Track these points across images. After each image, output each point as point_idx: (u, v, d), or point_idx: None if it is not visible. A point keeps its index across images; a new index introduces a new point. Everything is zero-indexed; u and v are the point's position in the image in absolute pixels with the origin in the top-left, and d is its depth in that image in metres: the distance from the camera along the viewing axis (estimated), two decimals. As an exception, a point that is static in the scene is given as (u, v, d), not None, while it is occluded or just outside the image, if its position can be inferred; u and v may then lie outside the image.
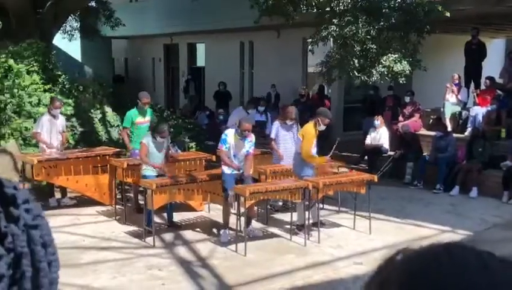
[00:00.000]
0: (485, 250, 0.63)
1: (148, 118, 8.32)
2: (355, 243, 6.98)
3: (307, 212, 7.05)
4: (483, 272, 0.59)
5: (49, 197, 8.36)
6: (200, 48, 19.82)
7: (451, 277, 0.59)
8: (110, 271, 5.96)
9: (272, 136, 8.25)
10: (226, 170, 6.96)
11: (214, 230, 7.41)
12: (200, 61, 19.94)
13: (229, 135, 6.98)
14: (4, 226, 0.60)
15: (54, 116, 8.41)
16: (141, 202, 7.87)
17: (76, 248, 6.54)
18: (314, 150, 7.23)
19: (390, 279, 0.62)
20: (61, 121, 8.64)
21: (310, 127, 7.21)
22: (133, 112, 8.33)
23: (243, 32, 16.37)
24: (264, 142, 9.08)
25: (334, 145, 7.82)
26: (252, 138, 7.05)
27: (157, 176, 7.17)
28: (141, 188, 7.55)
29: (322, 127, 7.21)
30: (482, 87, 11.88)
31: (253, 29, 14.85)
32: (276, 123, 8.36)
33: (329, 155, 7.70)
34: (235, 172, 6.94)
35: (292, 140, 8.17)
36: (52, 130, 8.41)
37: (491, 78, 11.52)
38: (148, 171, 7.21)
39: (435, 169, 9.80)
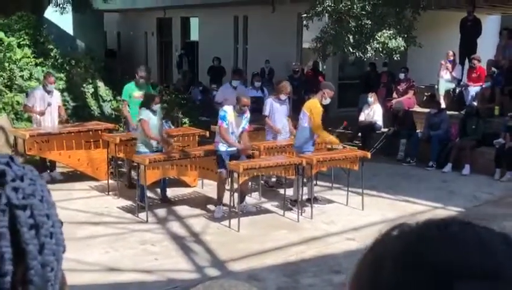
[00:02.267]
0: (483, 225, 0.63)
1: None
2: (347, 219, 7.02)
3: (301, 188, 7.07)
4: (481, 247, 0.59)
5: (41, 172, 8.32)
6: (194, 22, 19.60)
7: (446, 252, 0.59)
8: (103, 246, 5.98)
9: (266, 113, 8.19)
10: (221, 147, 6.92)
11: (208, 206, 7.42)
12: (194, 36, 19.74)
13: (228, 112, 6.91)
14: None
15: (49, 92, 8.30)
16: (134, 177, 7.87)
17: (69, 222, 6.54)
18: None
19: (385, 253, 0.62)
20: (56, 96, 8.53)
21: (315, 101, 7.17)
22: (130, 85, 8.30)
23: (237, 7, 16.18)
24: (259, 117, 9.04)
25: (342, 127, 7.90)
26: (247, 114, 7.03)
27: (155, 151, 7.13)
28: (134, 164, 7.53)
29: (328, 101, 7.19)
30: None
31: (247, 4, 14.70)
32: (269, 100, 8.30)
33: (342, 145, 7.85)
34: (230, 149, 6.91)
35: (285, 115, 8.15)
36: (45, 105, 8.30)
37: (477, 59, 11.43)
38: (143, 147, 7.17)
39: (428, 146, 9.82)
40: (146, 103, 7.23)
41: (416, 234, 0.62)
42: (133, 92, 8.19)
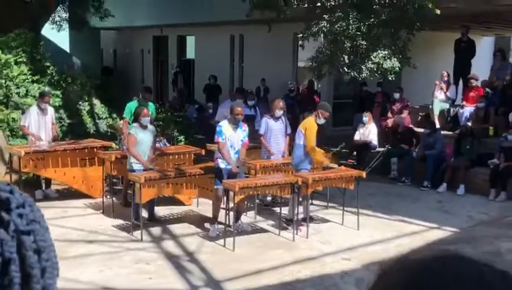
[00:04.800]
0: (484, 262, 0.64)
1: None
2: (343, 239, 7.00)
3: (297, 208, 7.06)
4: (480, 284, 0.60)
5: (35, 189, 8.29)
6: (190, 41, 19.73)
7: (448, 288, 0.59)
8: (97, 264, 5.94)
9: (261, 132, 8.21)
10: (221, 164, 6.92)
11: (204, 224, 7.39)
12: (190, 54, 19.85)
13: (224, 126, 6.94)
14: None
15: (43, 110, 8.31)
16: (130, 195, 7.84)
17: (63, 241, 6.50)
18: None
19: (392, 285, 0.63)
20: (50, 114, 8.54)
21: (311, 120, 7.21)
22: (132, 104, 8.37)
23: (233, 26, 16.31)
24: (254, 136, 9.07)
25: (339, 148, 7.93)
26: (245, 127, 7.05)
27: (144, 170, 7.12)
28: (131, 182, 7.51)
29: (322, 121, 7.22)
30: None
31: (244, 23, 14.81)
32: (265, 118, 8.33)
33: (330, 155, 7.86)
34: (230, 167, 6.90)
35: (283, 134, 8.17)
36: (40, 123, 8.31)
37: (475, 78, 11.56)
38: (136, 165, 7.16)
39: (423, 166, 9.86)
40: (136, 118, 7.26)
41: (420, 269, 0.63)
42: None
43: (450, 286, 0.59)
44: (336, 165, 8.00)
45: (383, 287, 0.64)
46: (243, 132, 6.99)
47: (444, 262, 0.63)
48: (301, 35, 10.46)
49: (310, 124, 7.16)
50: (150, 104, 8.59)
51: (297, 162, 7.28)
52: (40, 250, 0.63)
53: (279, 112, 8.06)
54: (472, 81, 11.47)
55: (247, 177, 7.49)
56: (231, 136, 6.89)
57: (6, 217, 0.61)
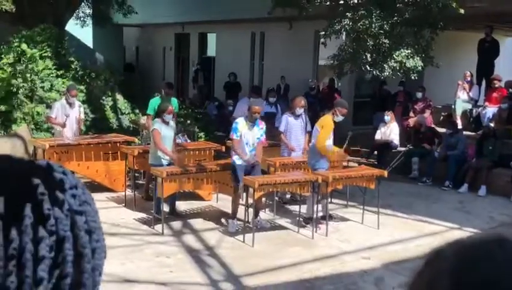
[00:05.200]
0: None
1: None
2: (363, 238, 6.99)
3: (316, 206, 7.06)
4: None
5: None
6: (211, 38, 19.79)
7: (504, 268, 0.58)
8: (119, 257, 6.01)
9: (281, 129, 8.21)
10: (237, 160, 6.97)
11: (222, 220, 7.45)
12: (211, 51, 19.91)
13: (240, 123, 6.97)
14: (47, 209, 0.60)
15: (71, 105, 8.45)
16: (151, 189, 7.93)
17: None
18: (330, 141, 7.20)
19: (442, 270, 0.61)
20: (77, 108, 8.66)
21: (328, 118, 7.18)
22: (155, 100, 8.45)
23: (254, 23, 16.32)
24: (274, 134, 9.08)
25: (347, 139, 7.81)
26: (263, 125, 7.06)
27: (168, 165, 7.19)
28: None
29: (340, 118, 7.18)
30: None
31: (265, 20, 14.81)
32: (285, 116, 8.34)
33: (342, 149, 7.71)
34: (245, 163, 6.94)
35: (302, 131, 8.15)
36: (66, 117, 8.43)
37: (498, 79, 11.41)
38: (153, 159, 7.23)
39: (444, 166, 9.78)
40: (159, 113, 7.32)
41: (472, 250, 0.61)
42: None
43: (506, 267, 0.58)
44: (356, 164, 7.96)
45: (435, 271, 0.62)
46: (260, 129, 7.01)
47: (497, 243, 0.61)
48: (323, 32, 10.44)
49: (325, 122, 7.13)
50: (173, 99, 8.65)
51: (313, 163, 7.25)
52: (91, 231, 0.66)
53: (299, 110, 8.05)
54: (495, 81, 11.32)
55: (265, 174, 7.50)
56: (247, 134, 6.92)
57: (61, 196, 0.63)
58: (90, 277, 0.64)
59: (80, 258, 0.63)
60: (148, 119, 8.61)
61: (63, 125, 8.35)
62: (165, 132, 7.21)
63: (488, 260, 0.59)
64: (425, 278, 0.62)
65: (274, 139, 8.85)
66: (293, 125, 8.12)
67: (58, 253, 0.61)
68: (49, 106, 10.00)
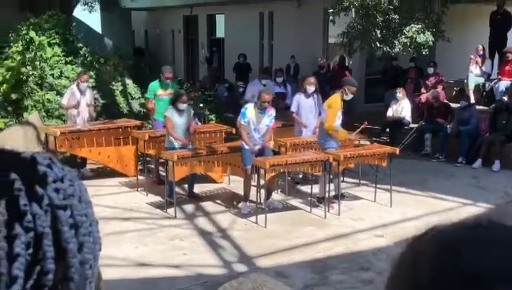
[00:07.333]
0: None
1: (170, 90, 8.28)
2: (375, 216, 6.97)
3: (328, 185, 7.04)
4: None
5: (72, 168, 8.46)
6: (220, 19, 19.67)
7: (486, 255, 0.58)
8: (132, 241, 6.07)
9: (293, 109, 8.20)
10: (245, 145, 6.96)
11: (234, 202, 7.46)
12: (220, 33, 19.81)
13: (249, 108, 6.96)
14: (24, 205, 0.59)
15: (81, 91, 8.45)
16: (162, 173, 7.96)
17: (99, 218, 6.59)
18: (338, 121, 7.15)
19: (423, 252, 0.62)
20: (89, 94, 8.67)
21: (336, 97, 7.13)
22: (154, 84, 8.37)
23: (263, 3, 16.17)
24: (284, 114, 9.04)
25: (360, 128, 7.78)
26: (272, 111, 7.02)
27: (181, 148, 7.21)
28: (162, 160, 7.62)
29: (349, 96, 7.12)
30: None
31: (273, 0, 14.66)
32: (297, 95, 8.31)
33: (353, 134, 7.68)
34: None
35: (313, 110, 8.11)
36: (77, 103, 8.45)
37: (511, 51, 11.21)
38: (176, 143, 7.24)
39: (457, 142, 9.68)
40: (173, 101, 7.31)
41: (453, 233, 0.61)
42: (157, 90, 8.28)
43: (490, 253, 0.58)
44: (367, 142, 7.92)
45: (416, 254, 0.63)
46: (268, 116, 6.98)
47: (478, 226, 0.61)
48: (332, 10, 10.31)
49: (333, 101, 7.08)
50: (172, 83, 8.56)
51: (322, 142, 7.23)
52: (78, 225, 0.64)
53: (310, 88, 8.00)
54: (508, 54, 11.11)
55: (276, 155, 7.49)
56: (255, 121, 6.90)
57: (40, 191, 0.61)
58: (77, 271, 0.63)
59: (64, 253, 0.62)
60: (149, 103, 8.58)
61: (76, 106, 8.37)
62: (176, 120, 7.19)
63: (467, 242, 0.59)
64: (407, 260, 0.63)
65: (285, 119, 8.82)
66: (303, 105, 8.08)
67: (38, 249, 0.59)
68: (59, 93, 10.03)
